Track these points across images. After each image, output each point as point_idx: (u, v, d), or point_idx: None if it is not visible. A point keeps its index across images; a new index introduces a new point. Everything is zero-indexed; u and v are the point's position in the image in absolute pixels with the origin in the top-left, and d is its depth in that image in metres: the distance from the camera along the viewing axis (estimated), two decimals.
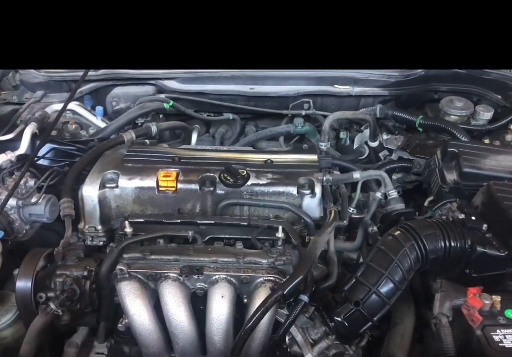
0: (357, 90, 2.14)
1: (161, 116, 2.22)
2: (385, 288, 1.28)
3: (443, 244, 1.32)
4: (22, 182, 1.68)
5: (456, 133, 1.89)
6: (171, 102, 2.11)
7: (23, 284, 1.36)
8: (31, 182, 1.73)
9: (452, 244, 1.32)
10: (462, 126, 1.96)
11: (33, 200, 1.68)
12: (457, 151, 1.64)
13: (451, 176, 1.62)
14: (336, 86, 2.14)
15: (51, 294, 1.34)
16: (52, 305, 1.30)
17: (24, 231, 1.73)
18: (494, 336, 1.17)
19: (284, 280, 1.32)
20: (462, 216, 1.42)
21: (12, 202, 1.63)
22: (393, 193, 1.72)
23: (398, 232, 1.36)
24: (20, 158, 1.79)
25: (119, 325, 1.39)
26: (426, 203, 1.69)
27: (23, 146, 1.83)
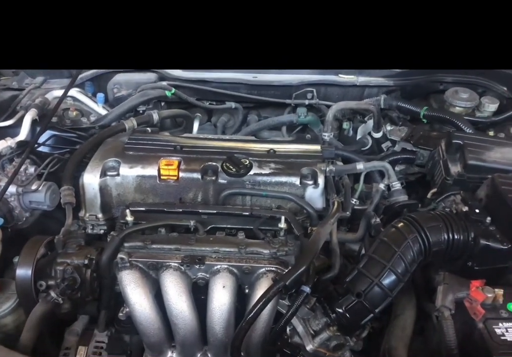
0: (361, 80, 2.12)
1: (162, 103, 2.19)
2: (388, 280, 1.28)
3: (446, 236, 1.31)
4: (22, 169, 1.68)
5: (461, 125, 1.86)
6: (173, 90, 2.09)
7: (23, 272, 1.35)
8: (31, 169, 1.72)
9: (456, 236, 1.31)
10: (466, 117, 1.93)
11: (33, 187, 1.67)
12: (462, 143, 1.62)
13: (455, 168, 1.60)
14: (340, 75, 2.12)
15: (51, 282, 1.34)
16: (52, 293, 1.30)
17: (24, 219, 1.73)
18: (496, 330, 1.17)
19: (286, 271, 1.31)
20: (465, 208, 1.41)
21: (12, 189, 1.62)
22: (397, 185, 1.71)
23: (401, 224, 1.36)
24: (20, 144, 1.78)
25: (120, 314, 1.39)
26: (429, 195, 1.67)
27: (23, 133, 1.81)
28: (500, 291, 1.22)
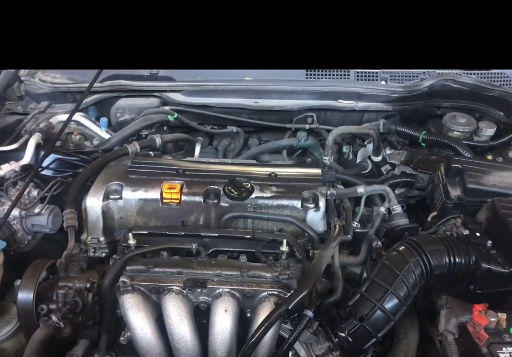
0: (361, 105, 2.16)
1: (165, 128, 2.23)
2: (390, 303, 1.27)
3: (447, 260, 1.32)
4: (25, 192, 1.68)
5: (459, 149, 1.89)
6: (175, 115, 2.12)
7: (25, 295, 1.34)
8: (35, 193, 1.73)
9: (457, 260, 1.32)
10: (464, 142, 1.97)
11: (36, 210, 1.68)
12: (461, 167, 1.64)
13: (455, 192, 1.62)
14: (340, 100, 2.16)
15: (53, 306, 1.33)
16: (54, 317, 1.28)
17: (26, 242, 1.72)
18: (500, 354, 1.16)
19: (289, 294, 1.31)
20: (466, 232, 1.42)
21: (15, 212, 1.62)
22: (397, 208, 1.72)
23: (403, 247, 1.36)
24: (24, 168, 1.79)
25: (121, 338, 1.37)
26: (429, 219, 1.69)
27: (27, 156, 1.84)
28: (503, 315, 1.22)
